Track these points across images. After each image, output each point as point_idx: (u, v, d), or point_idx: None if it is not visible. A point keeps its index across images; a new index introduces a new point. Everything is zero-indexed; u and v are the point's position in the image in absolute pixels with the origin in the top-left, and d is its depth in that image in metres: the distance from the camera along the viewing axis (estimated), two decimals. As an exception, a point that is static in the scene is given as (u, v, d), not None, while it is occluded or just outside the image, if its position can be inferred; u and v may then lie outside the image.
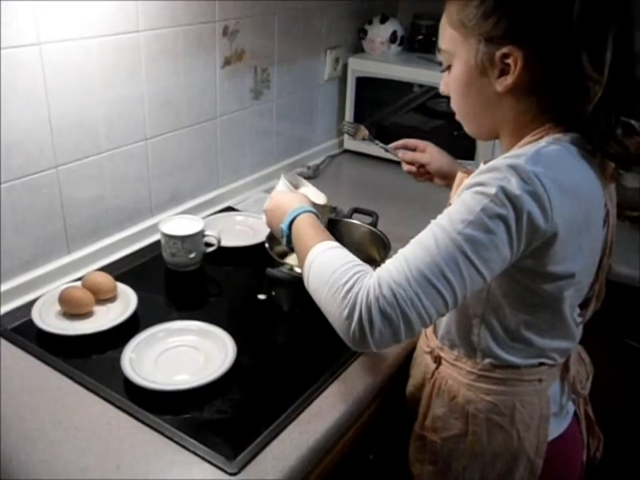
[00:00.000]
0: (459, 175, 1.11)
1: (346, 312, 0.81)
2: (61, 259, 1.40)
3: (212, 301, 1.44)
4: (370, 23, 2.16)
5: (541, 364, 1.00)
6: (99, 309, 1.28)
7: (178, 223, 1.46)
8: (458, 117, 1.00)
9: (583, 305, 1.01)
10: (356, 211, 1.58)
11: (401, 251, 0.84)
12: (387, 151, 1.38)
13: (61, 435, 0.99)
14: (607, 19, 0.81)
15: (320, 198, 1.32)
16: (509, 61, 0.86)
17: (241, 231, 1.66)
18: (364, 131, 1.52)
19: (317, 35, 2.06)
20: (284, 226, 1.05)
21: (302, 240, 0.99)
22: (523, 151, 0.84)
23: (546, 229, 0.81)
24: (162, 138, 1.58)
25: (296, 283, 1.18)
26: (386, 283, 0.80)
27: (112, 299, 1.31)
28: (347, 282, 0.83)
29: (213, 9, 1.59)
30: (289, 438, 1.01)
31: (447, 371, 1.05)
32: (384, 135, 1.87)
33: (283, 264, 1.30)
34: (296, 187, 1.29)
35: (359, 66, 2.16)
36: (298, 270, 1.22)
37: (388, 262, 0.84)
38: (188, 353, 1.17)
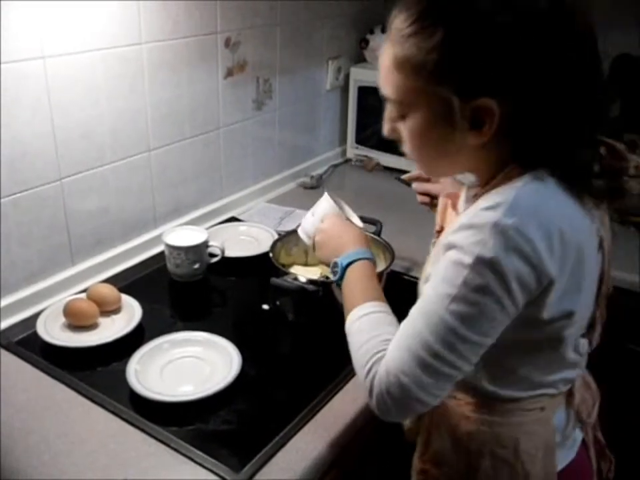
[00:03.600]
0: (441, 200, 1.07)
1: (367, 393, 0.85)
2: (66, 270, 1.41)
3: (216, 312, 1.44)
4: (371, 32, 2.17)
5: (543, 394, 0.95)
6: (103, 321, 1.28)
7: (182, 234, 1.46)
8: (415, 161, 0.93)
9: (586, 334, 0.97)
10: (360, 219, 1.58)
11: (403, 325, 0.84)
12: (401, 181, 1.37)
13: (67, 448, 0.99)
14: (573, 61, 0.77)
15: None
16: (482, 112, 0.77)
17: (245, 241, 1.66)
18: (374, 162, 1.51)
19: (319, 45, 2.07)
20: (342, 262, 1.03)
21: (352, 291, 1.00)
22: (501, 198, 0.77)
23: (540, 282, 0.78)
24: (165, 149, 1.58)
25: (300, 293, 1.19)
26: (392, 372, 0.81)
27: (116, 311, 1.31)
28: (366, 363, 0.85)
29: (215, 20, 1.60)
30: (295, 448, 1.01)
31: (446, 402, 0.98)
32: (386, 144, 1.87)
33: (288, 273, 1.30)
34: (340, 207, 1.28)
35: (360, 75, 2.17)
36: (302, 279, 1.22)
37: (394, 342, 0.84)
38: (193, 364, 1.17)
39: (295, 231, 1.49)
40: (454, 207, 1.08)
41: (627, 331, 1.63)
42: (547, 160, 0.81)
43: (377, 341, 0.87)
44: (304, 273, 1.35)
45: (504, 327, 0.81)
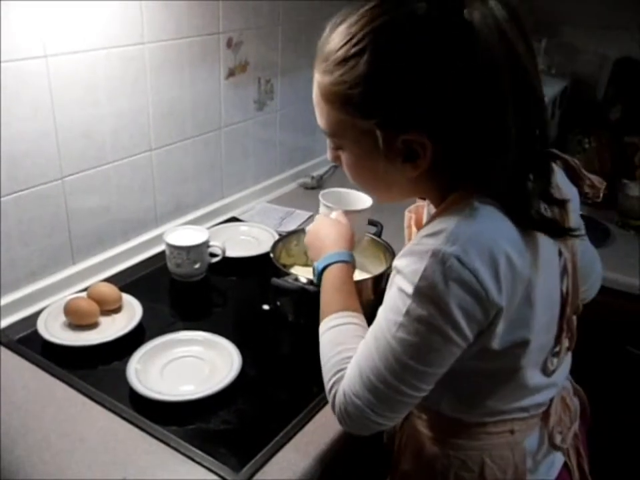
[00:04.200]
0: (406, 215, 1.07)
1: (330, 406, 0.88)
2: (66, 269, 1.41)
3: (217, 311, 1.44)
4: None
5: (512, 419, 0.91)
6: (104, 320, 1.28)
7: (183, 234, 1.47)
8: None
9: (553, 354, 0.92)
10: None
11: (359, 350, 0.84)
12: None
13: (67, 446, 0.99)
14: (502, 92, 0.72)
15: (362, 202, 1.29)
16: (414, 145, 0.75)
17: (246, 241, 1.66)
18: None
19: (320, 46, 2.06)
20: (318, 266, 1.05)
21: (325, 296, 1.01)
22: (443, 225, 0.75)
23: (487, 312, 0.75)
24: (167, 149, 1.58)
25: (301, 293, 1.19)
26: (348, 394, 0.83)
27: (117, 310, 1.31)
28: (330, 380, 0.88)
29: (217, 20, 1.60)
30: (295, 449, 1.01)
31: (414, 422, 0.98)
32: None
33: (288, 274, 1.30)
34: (338, 201, 1.27)
35: (362, 76, 2.16)
36: (303, 280, 1.22)
37: (351, 365, 0.84)
38: (193, 364, 1.17)
39: (295, 232, 1.49)
40: (416, 222, 1.07)
41: (627, 334, 1.63)
42: (483, 187, 0.77)
43: (340, 358, 0.88)
44: (305, 274, 1.34)
45: (455, 357, 0.79)
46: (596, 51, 2.12)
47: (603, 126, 2.01)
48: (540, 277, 0.80)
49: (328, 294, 1.00)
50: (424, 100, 0.72)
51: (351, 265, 1.06)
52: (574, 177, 0.87)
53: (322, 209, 1.25)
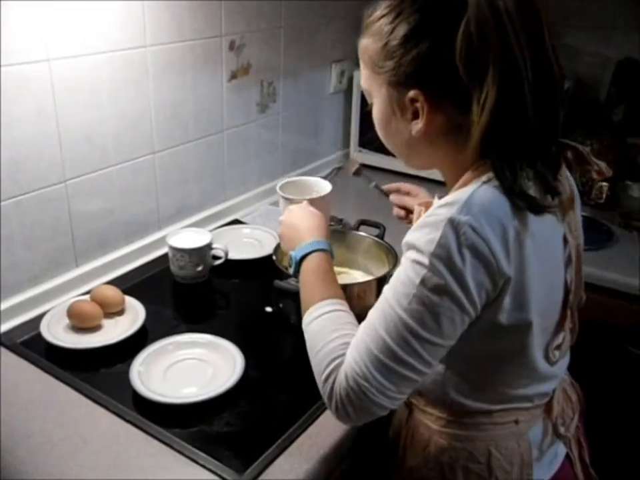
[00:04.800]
0: (416, 209, 1.07)
1: (326, 398, 0.86)
2: (69, 272, 1.41)
3: (220, 314, 1.44)
4: (375, 35, 2.17)
5: (517, 408, 0.93)
6: (107, 323, 1.29)
7: (185, 236, 1.47)
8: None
9: (554, 344, 0.93)
10: (363, 223, 1.58)
11: (361, 328, 0.84)
12: (380, 191, 1.35)
13: (70, 449, 0.99)
14: (485, 61, 0.75)
15: (322, 188, 1.28)
16: (417, 104, 0.82)
17: (248, 243, 1.66)
18: (356, 165, 1.48)
19: (323, 49, 2.07)
20: (295, 256, 1.03)
21: (307, 287, 0.99)
22: (456, 197, 0.78)
23: (495, 281, 0.77)
24: (169, 151, 1.59)
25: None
26: (351, 377, 0.81)
27: (120, 312, 1.31)
28: (325, 369, 0.85)
29: (219, 23, 1.60)
30: (297, 451, 1.01)
31: (419, 418, 0.99)
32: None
33: (291, 276, 1.30)
34: (297, 191, 1.26)
35: (364, 78, 2.17)
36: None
37: (352, 345, 0.84)
38: (196, 366, 1.17)
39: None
40: None
41: (629, 334, 1.63)
42: (495, 171, 0.79)
43: (334, 345, 0.86)
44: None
45: (463, 329, 0.80)
46: (598, 52, 2.11)
47: (605, 127, 2.00)
48: (550, 259, 0.84)
49: (310, 283, 0.99)
50: (424, 60, 0.79)
51: (329, 253, 1.05)
52: (582, 162, 0.88)
53: (281, 202, 1.23)
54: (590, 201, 1.86)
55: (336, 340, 0.87)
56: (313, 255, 1.02)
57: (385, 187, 1.33)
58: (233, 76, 1.71)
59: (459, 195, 0.78)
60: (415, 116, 0.83)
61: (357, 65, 2.19)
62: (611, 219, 1.83)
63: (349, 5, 2.11)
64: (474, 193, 0.77)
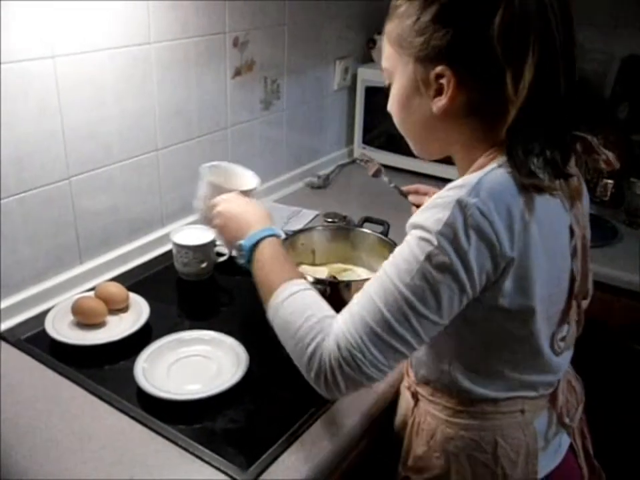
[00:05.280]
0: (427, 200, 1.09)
1: (313, 374, 0.85)
2: (74, 269, 1.41)
3: (224, 311, 1.44)
4: (379, 33, 2.17)
5: (522, 396, 0.94)
6: (111, 319, 1.29)
7: (189, 233, 1.47)
8: (406, 138, 0.97)
9: (560, 335, 0.94)
10: (367, 220, 1.58)
11: (355, 302, 0.84)
12: (399, 191, 1.36)
13: (75, 445, 1.00)
14: (526, 40, 0.77)
15: (250, 182, 1.24)
16: (443, 81, 0.82)
17: (252, 240, 1.65)
18: (376, 166, 1.49)
19: (326, 46, 2.07)
20: (246, 244, 1.00)
21: (266, 273, 0.96)
22: (466, 180, 0.79)
23: (498, 263, 0.78)
24: (173, 148, 1.59)
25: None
26: (344, 346, 0.81)
27: (124, 309, 1.32)
28: (308, 345, 0.84)
29: (223, 20, 1.60)
30: (302, 448, 1.01)
31: (425, 408, 1.00)
32: (393, 143, 1.87)
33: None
34: (223, 176, 1.23)
35: (368, 76, 2.17)
36: (309, 279, 1.22)
37: (345, 317, 0.84)
38: (200, 363, 1.17)
39: (302, 231, 1.49)
40: None
41: (632, 331, 1.63)
42: (509, 149, 0.81)
43: (315, 321, 0.85)
44: (311, 273, 1.35)
45: (460, 308, 0.82)
46: (603, 49, 2.11)
47: (610, 124, 2.00)
48: (555, 248, 0.85)
49: (268, 267, 0.96)
50: (457, 36, 0.80)
51: (281, 239, 1.02)
52: (591, 152, 0.88)
53: (205, 186, 1.18)
54: (595, 198, 1.86)
55: (313, 316, 0.86)
56: (267, 240, 0.99)
57: (404, 187, 1.34)
58: (237, 73, 1.71)
59: (468, 178, 0.80)
60: (438, 93, 0.84)
61: (361, 62, 2.21)
62: (615, 216, 1.83)
63: (353, 2, 2.11)
64: (484, 176, 0.79)
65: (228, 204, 1.10)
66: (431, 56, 0.82)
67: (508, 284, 0.81)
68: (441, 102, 0.84)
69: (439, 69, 0.82)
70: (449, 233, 0.76)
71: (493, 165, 0.81)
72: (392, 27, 0.88)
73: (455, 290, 0.79)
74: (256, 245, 0.99)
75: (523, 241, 0.79)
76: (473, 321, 0.85)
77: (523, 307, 0.84)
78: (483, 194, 0.77)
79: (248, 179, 1.27)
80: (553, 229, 0.85)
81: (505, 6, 0.76)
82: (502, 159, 0.81)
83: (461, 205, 0.76)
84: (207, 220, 1.16)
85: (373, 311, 0.81)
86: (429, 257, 0.78)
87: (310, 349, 0.84)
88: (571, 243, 0.89)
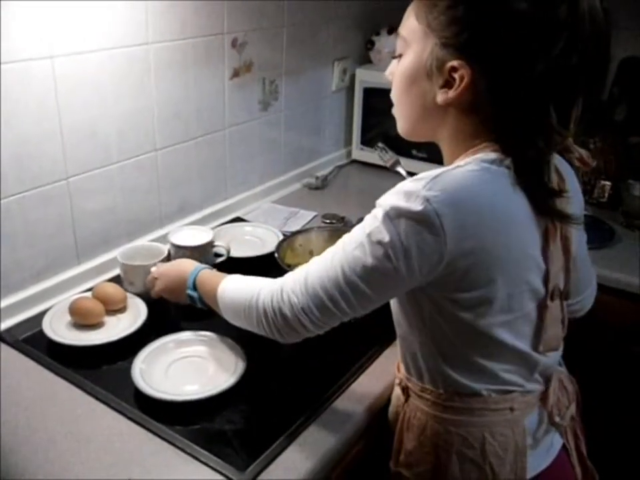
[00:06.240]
0: None
1: (261, 320, 0.95)
2: (72, 269, 1.41)
3: (221, 312, 1.44)
4: (377, 34, 2.17)
5: (512, 391, 0.94)
6: (109, 320, 1.29)
7: (187, 234, 1.47)
8: (393, 112, 0.97)
9: (537, 334, 0.93)
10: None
11: (309, 262, 0.92)
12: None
13: (72, 446, 0.99)
14: (575, 78, 0.80)
15: (160, 249, 1.39)
16: (456, 75, 0.82)
17: (250, 241, 1.66)
18: (394, 158, 1.54)
19: (325, 47, 2.07)
20: (190, 291, 1.13)
21: (208, 290, 1.09)
22: (429, 173, 0.81)
23: (442, 255, 0.79)
24: (171, 149, 1.59)
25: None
26: (285, 291, 0.91)
27: (122, 310, 1.32)
28: (255, 303, 0.95)
29: (222, 21, 1.60)
30: (299, 449, 1.01)
31: (415, 403, 1.00)
32: (391, 144, 1.87)
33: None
34: (136, 255, 1.38)
35: (366, 77, 2.17)
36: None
37: (298, 273, 0.92)
38: (198, 364, 1.17)
39: (300, 232, 1.50)
40: None
41: (630, 333, 1.63)
42: (503, 145, 0.84)
43: (258, 286, 0.97)
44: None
45: (396, 290, 0.89)
46: (601, 51, 2.11)
47: (607, 126, 2.00)
48: (521, 247, 0.85)
49: (208, 287, 1.09)
50: (491, 39, 0.79)
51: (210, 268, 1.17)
52: (563, 150, 0.89)
53: (135, 270, 1.34)
54: (592, 200, 1.87)
55: (256, 285, 0.97)
56: (199, 274, 1.13)
57: None
58: (235, 74, 1.71)
59: (433, 171, 0.82)
60: (446, 84, 0.84)
61: (359, 63, 2.21)
62: (613, 218, 1.83)
63: (351, 4, 2.11)
64: (446, 172, 0.81)
65: (160, 272, 1.24)
66: (458, 47, 0.82)
67: (458, 276, 0.82)
68: (447, 94, 0.84)
69: (456, 62, 0.82)
70: (393, 216, 0.80)
71: (473, 159, 0.83)
72: (423, 4, 0.86)
73: (388, 270, 0.82)
74: (195, 284, 1.12)
75: (478, 236, 0.80)
76: (442, 314, 0.88)
77: (479, 300, 0.85)
78: (441, 188, 0.79)
79: (158, 249, 1.39)
80: (521, 229, 0.85)
81: (564, 44, 0.77)
82: (489, 155, 0.83)
83: (413, 195, 0.79)
84: (151, 291, 1.28)
85: (318, 269, 0.88)
86: (370, 233, 0.82)
87: (255, 306, 0.95)
88: (547, 241, 0.87)
